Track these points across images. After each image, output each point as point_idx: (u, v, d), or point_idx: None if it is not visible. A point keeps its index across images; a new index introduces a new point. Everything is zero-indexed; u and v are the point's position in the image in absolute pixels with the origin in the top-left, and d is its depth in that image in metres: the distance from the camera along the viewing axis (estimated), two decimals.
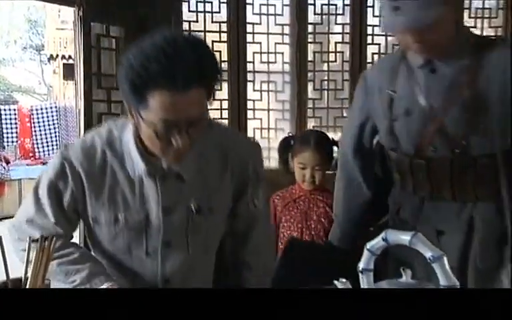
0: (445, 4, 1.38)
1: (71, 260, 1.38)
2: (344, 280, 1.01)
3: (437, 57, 1.46)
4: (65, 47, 11.97)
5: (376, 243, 0.98)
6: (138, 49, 1.19)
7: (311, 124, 3.50)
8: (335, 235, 1.83)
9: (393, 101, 1.54)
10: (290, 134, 2.51)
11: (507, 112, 1.40)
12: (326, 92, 3.53)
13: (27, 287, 0.96)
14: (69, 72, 10.73)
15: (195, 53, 1.18)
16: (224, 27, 3.33)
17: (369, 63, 3.40)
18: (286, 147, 2.33)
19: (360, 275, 1.00)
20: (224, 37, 3.32)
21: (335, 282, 1.02)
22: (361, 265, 1.00)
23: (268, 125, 3.49)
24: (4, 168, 8.19)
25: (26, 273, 0.97)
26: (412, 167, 1.53)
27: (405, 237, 0.93)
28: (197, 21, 3.32)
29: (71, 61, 10.95)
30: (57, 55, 12.42)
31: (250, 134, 3.41)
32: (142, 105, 1.20)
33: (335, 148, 2.21)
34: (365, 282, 0.99)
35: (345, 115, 3.54)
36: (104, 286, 1.35)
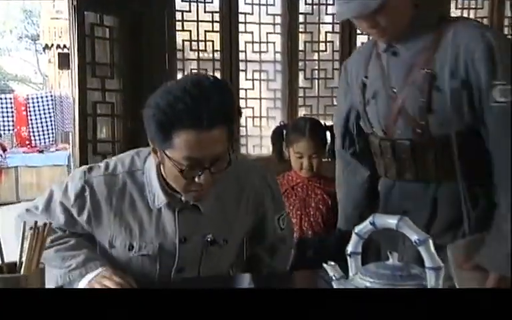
0: None
1: (68, 246, 1.42)
2: (333, 263, 1.02)
3: (396, 40, 1.45)
4: (59, 37, 11.81)
5: (364, 227, 0.98)
6: (164, 90, 1.24)
7: (301, 112, 3.50)
8: (340, 220, 1.82)
9: (365, 86, 1.55)
10: (282, 123, 2.49)
11: (459, 91, 1.38)
12: (316, 81, 3.53)
13: (22, 271, 0.95)
14: (64, 61, 10.60)
15: (218, 94, 1.22)
16: (216, 17, 3.30)
17: None
18: (279, 137, 2.31)
19: (348, 258, 1.00)
20: (216, 26, 3.30)
21: (324, 265, 1.02)
22: (349, 249, 1.00)
23: (260, 113, 3.49)
24: (1, 156, 8.15)
25: (21, 257, 0.97)
26: (381, 148, 1.54)
27: (391, 221, 0.93)
28: (189, 11, 3.29)
29: (66, 51, 10.84)
30: (52, 45, 12.26)
31: (242, 122, 3.41)
32: (167, 143, 1.23)
33: (328, 133, 2.21)
34: (353, 265, 0.99)
35: (335, 103, 3.54)
36: (98, 270, 1.38)
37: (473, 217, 1.42)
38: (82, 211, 1.41)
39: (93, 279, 1.37)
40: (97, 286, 1.35)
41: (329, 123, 2.47)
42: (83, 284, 1.38)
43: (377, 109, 1.53)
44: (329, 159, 2.27)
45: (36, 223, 0.97)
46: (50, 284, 1.34)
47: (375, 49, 1.55)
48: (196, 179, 1.26)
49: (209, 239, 1.43)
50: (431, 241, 0.90)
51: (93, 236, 1.48)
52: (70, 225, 1.45)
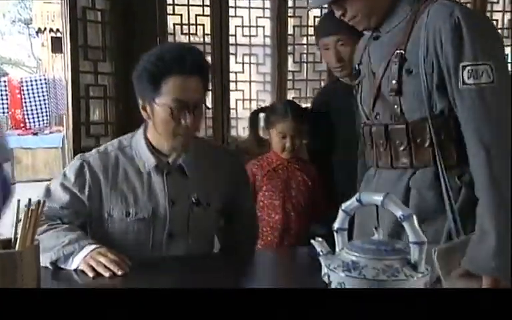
0: None
1: (63, 228, 1.46)
2: (320, 239, 1.02)
3: (378, 26, 1.39)
4: (52, 21, 11.67)
5: (350, 203, 0.98)
6: (152, 51, 1.51)
7: (290, 95, 3.48)
8: None
9: (359, 73, 1.51)
10: (259, 107, 2.50)
11: (430, 74, 1.28)
12: (305, 64, 3.50)
13: (17, 247, 0.95)
14: (57, 45, 10.49)
15: (196, 51, 1.55)
16: (207, 1, 3.26)
17: None
18: (255, 121, 2.32)
19: (335, 234, 1.01)
20: (207, 10, 3.26)
21: (312, 241, 1.02)
22: (336, 225, 1.00)
23: (250, 96, 3.46)
24: None
25: (15, 234, 0.96)
26: (364, 134, 1.49)
27: (377, 198, 0.93)
28: None
29: (58, 34, 10.70)
30: (45, 29, 12.12)
31: (232, 105, 3.39)
32: (157, 92, 1.46)
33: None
34: (339, 240, 1.00)
35: (323, 86, 3.53)
36: (93, 246, 1.40)
37: (456, 210, 1.27)
38: (83, 188, 1.52)
39: (88, 254, 1.38)
40: (92, 262, 1.36)
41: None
42: (78, 259, 1.38)
43: (362, 94, 1.49)
44: (305, 141, 2.29)
45: (30, 200, 0.97)
46: (44, 262, 1.34)
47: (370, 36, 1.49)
48: (182, 121, 1.46)
49: (193, 200, 1.57)
50: (414, 217, 0.90)
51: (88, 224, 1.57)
52: (73, 203, 1.52)
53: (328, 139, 2.19)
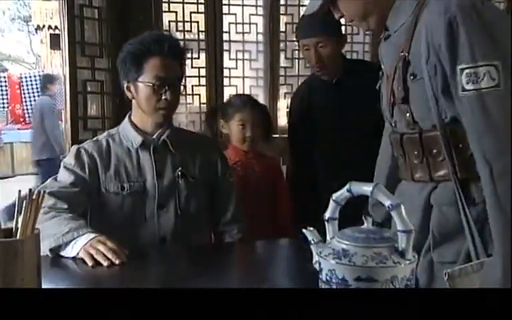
0: None
1: (66, 217, 1.48)
2: (311, 228, 1.02)
3: (376, 27, 1.26)
4: (51, 18, 11.56)
5: (341, 194, 0.98)
6: (134, 39, 1.66)
7: (282, 91, 3.48)
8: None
9: (382, 74, 1.36)
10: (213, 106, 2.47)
11: (435, 78, 1.12)
12: (297, 61, 3.50)
13: (18, 236, 0.94)
14: (55, 42, 10.39)
15: (173, 36, 1.72)
16: None
17: None
18: (213, 118, 2.28)
19: (326, 223, 1.01)
20: (201, 8, 3.25)
21: (303, 230, 1.02)
22: (326, 215, 1.00)
23: (243, 91, 3.45)
24: None
25: (16, 223, 0.95)
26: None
27: (367, 188, 0.93)
28: None
29: (57, 31, 10.62)
30: (44, 26, 12.01)
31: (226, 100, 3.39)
32: (140, 71, 1.62)
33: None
34: (330, 229, 1.00)
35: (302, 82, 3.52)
36: (92, 235, 1.40)
37: (475, 228, 1.11)
38: (83, 167, 1.64)
39: (88, 242, 1.38)
40: (91, 250, 1.36)
41: None
42: (78, 246, 1.38)
43: (381, 99, 1.34)
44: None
45: (30, 190, 0.96)
46: (44, 249, 1.33)
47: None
48: (163, 96, 1.61)
49: (179, 173, 1.67)
50: (402, 206, 0.90)
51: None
52: (78, 181, 1.61)
53: (309, 133, 2.17)
